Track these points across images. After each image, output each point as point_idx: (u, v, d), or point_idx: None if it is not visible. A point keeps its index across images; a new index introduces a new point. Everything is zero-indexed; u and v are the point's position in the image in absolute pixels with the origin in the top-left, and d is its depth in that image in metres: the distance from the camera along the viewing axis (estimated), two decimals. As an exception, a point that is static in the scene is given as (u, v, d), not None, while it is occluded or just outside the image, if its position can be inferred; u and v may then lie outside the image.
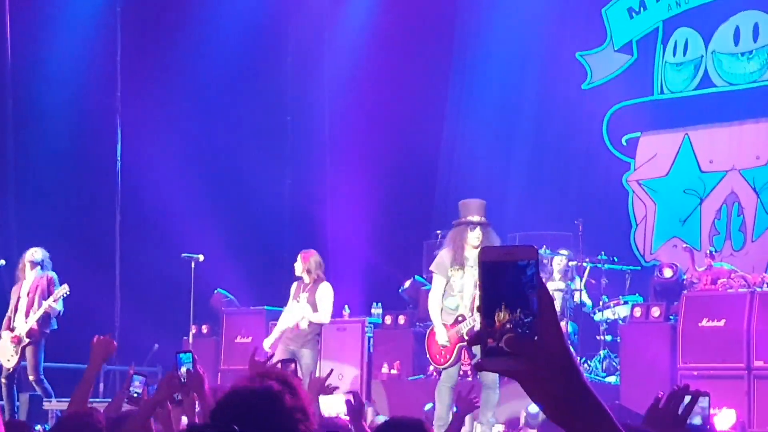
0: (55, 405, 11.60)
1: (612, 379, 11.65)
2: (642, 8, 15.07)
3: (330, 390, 5.58)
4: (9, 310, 11.69)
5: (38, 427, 9.15)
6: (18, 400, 11.60)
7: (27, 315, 11.51)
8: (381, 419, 9.00)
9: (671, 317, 11.02)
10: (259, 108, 16.02)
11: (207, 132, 15.67)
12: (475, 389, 6.18)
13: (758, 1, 14.26)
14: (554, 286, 12.13)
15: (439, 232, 12.86)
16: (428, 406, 10.28)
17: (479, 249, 2.32)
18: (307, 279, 10.97)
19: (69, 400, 5.61)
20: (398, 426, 4.24)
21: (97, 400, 10.78)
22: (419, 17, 15.91)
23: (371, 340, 12.56)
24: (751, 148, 14.03)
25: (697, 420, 3.88)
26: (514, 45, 15.59)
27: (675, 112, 14.67)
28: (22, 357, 11.55)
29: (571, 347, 1.55)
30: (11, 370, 11.56)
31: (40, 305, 11.41)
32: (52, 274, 11.63)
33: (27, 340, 11.49)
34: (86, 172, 14.98)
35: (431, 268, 10.01)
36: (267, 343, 11.30)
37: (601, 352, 12.08)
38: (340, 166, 16.10)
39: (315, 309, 10.83)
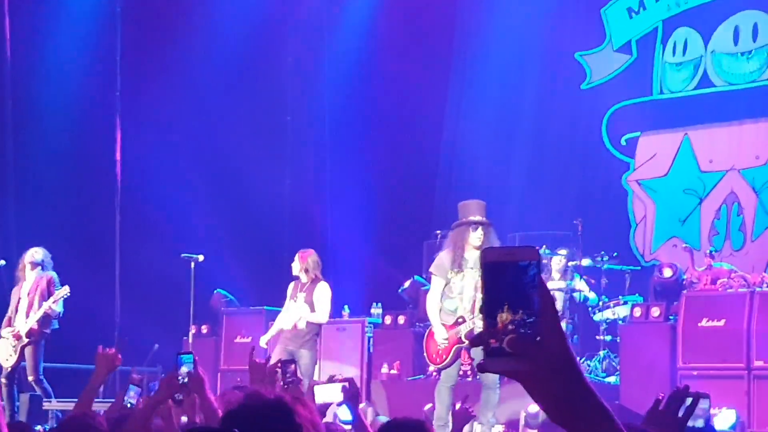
0: (55, 405, 11.60)
1: (612, 379, 11.64)
2: (641, 8, 15.07)
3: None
4: (9, 310, 11.68)
5: (38, 427, 9.15)
6: (18, 401, 11.60)
7: (27, 316, 11.51)
8: (382, 419, 9.02)
9: (671, 317, 11.02)
10: (259, 108, 16.02)
11: (207, 132, 15.67)
12: (468, 399, 6.17)
13: (758, 1, 14.26)
14: (554, 285, 12.13)
15: (439, 232, 12.86)
16: (428, 406, 10.29)
17: (481, 250, 2.33)
18: (304, 278, 10.96)
19: (69, 400, 5.67)
20: (400, 427, 4.24)
21: (98, 400, 10.77)
22: (419, 17, 15.92)
23: (371, 340, 12.56)
24: (750, 147, 14.03)
25: (699, 423, 3.88)
26: (513, 45, 15.59)
27: (674, 112, 14.67)
28: (21, 357, 11.55)
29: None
30: (10, 369, 11.56)
31: (40, 306, 11.40)
32: (53, 274, 11.62)
33: (27, 340, 11.49)
34: (86, 172, 14.97)
35: (431, 269, 10.01)
36: (264, 340, 11.30)
37: (601, 352, 12.07)
38: (340, 166, 16.10)
39: (312, 309, 10.83)
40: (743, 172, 14.02)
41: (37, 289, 11.50)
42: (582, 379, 1.51)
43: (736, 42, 14.32)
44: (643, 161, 14.85)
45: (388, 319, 12.68)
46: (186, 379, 4.51)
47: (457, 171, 15.88)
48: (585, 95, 15.27)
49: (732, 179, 14.09)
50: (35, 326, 11.45)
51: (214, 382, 12.25)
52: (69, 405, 9.45)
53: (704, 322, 10.61)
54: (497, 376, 8.76)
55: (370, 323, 12.68)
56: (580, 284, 12.55)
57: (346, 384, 5.43)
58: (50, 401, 11.63)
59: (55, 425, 10.08)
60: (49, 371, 11.88)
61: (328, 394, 5.97)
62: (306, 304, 10.84)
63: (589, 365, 11.95)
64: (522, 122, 15.64)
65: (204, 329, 13.48)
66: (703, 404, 3.93)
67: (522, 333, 1.46)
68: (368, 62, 16.00)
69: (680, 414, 3.55)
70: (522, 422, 10.46)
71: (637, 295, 12.36)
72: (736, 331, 10.42)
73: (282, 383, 5.57)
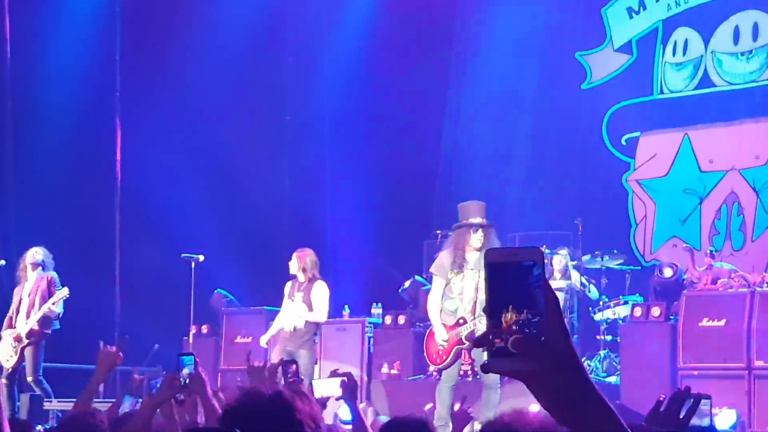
0: (55, 405, 11.59)
1: (612, 379, 11.64)
2: (641, 8, 15.06)
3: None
4: (10, 311, 11.68)
5: (39, 427, 9.14)
6: (18, 401, 11.60)
7: (28, 317, 11.51)
8: (383, 419, 9.00)
9: (671, 317, 11.02)
10: (258, 108, 16.02)
11: (207, 132, 15.66)
12: (467, 399, 6.18)
13: (758, 1, 14.26)
14: (555, 285, 12.13)
15: (439, 232, 12.86)
16: (428, 406, 10.28)
17: (483, 251, 2.32)
18: (301, 278, 10.96)
19: (69, 400, 5.66)
20: (403, 425, 4.24)
21: (98, 400, 10.77)
22: (419, 17, 15.92)
23: (371, 340, 12.56)
24: (750, 147, 14.02)
25: (706, 422, 3.87)
26: (513, 45, 15.59)
27: (675, 112, 14.66)
28: (22, 358, 11.55)
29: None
30: (10, 370, 11.56)
31: (40, 307, 11.40)
32: (53, 274, 11.61)
33: (27, 341, 11.49)
34: (86, 172, 14.97)
35: (431, 269, 10.02)
36: (263, 340, 11.29)
37: (601, 352, 12.07)
38: (340, 166, 16.10)
39: (310, 308, 10.83)
40: (743, 172, 14.02)
41: (38, 290, 11.49)
42: (586, 379, 1.51)
43: (736, 42, 14.32)
44: (644, 161, 14.84)
45: (388, 319, 12.67)
46: (187, 380, 4.50)
47: (457, 171, 15.88)
48: (585, 95, 15.27)
49: (732, 179, 14.09)
50: (35, 327, 11.45)
51: (215, 382, 12.24)
52: (69, 405, 9.42)
53: (705, 322, 10.60)
54: (498, 376, 8.77)
55: (370, 323, 12.67)
56: (582, 279, 12.53)
57: (345, 378, 5.43)
58: (51, 401, 11.63)
59: (55, 425, 10.07)
60: (49, 371, 11.88)
61: (326, 388, 5.96)
62: (303, 303, 10.83)
63: (589, 365, 11.94)
64: (522, 122, 15.63)
65: (204, 329, 13.47)
66: (704, 405, 3.91)
67: (527, 333, 1.46)
68: (368, 62, 15.99)
69: (681, 415, 3.55)
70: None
71: (637, 295, 12.36)
72: (736, 331, 10.42)
73: (283, 384, 5.57)
